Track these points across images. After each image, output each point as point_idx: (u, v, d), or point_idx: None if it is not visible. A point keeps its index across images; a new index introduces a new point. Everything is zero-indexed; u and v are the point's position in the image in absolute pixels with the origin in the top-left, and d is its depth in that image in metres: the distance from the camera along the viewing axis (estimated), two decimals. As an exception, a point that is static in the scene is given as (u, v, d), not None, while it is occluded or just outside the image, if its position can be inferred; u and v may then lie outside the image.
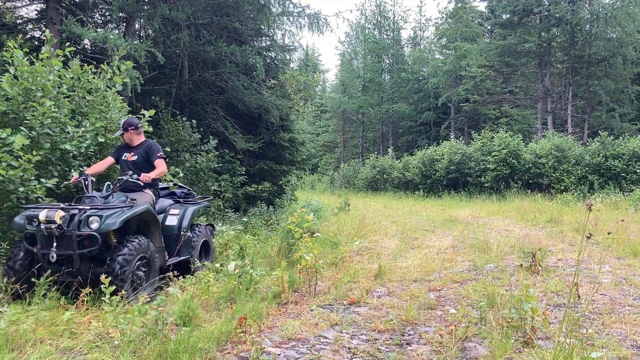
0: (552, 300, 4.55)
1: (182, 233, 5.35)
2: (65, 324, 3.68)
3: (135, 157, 5.29)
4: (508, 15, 26.21)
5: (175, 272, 5.07)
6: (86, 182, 4.95)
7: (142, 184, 5.01)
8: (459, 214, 12.74)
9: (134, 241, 4.42)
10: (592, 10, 22.89)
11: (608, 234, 6.62)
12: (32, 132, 5.42)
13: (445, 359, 3.25)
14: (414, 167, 23.63)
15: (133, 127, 5.33)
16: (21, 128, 5.34)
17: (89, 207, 4.38)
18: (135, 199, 4.86)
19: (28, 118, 5.41)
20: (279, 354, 3.33)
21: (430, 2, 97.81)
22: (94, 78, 6.34)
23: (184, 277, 5.06)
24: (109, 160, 5.42)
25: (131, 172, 5.00)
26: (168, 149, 8.71)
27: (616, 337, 3.55)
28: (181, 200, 5.84)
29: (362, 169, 29.85)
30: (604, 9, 22.26)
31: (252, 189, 13.22)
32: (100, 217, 4.22)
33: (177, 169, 7.83)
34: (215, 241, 6.68)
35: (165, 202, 5.57)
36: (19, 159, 5.10)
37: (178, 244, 5.32)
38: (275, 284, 5.06)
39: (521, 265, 5.79)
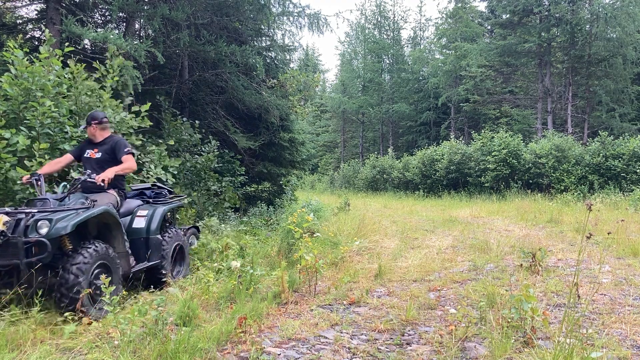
0: (552, 300, 4.55)
1: (150, 237, 4.94)
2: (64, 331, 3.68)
3: (99, 155, 4.87)
4: (508, 15, 26.21)
5: (144, 279, 4.79)
6: (38, 182, 4.50)
7: (103, 185, 4.53)
8: (459, 214, 12.74)
9: (91, 247, 3.99)
10: (592, 10, 22.89)
11: (608, 234, 6.63)
12: (32, 132, 5.42)
13: (445, 359, 3.25)
14: (414, 167, 23.63)
15: (96, 122, 4.88)
16: (21, 128, 5.34)
17: (37, 211, 3.97)
18: (96, 200, 4.42)
19: (28, 118, 5.41)
20: (279, 354, 3.33)
21: (430, 2, 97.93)
22: (86, 79, 6.28)
23: (153, 288, 4.75)
24: (67, 157, 4.97)
25: (89, 171, 4.61)
26: (171, 142, 8.65)
27: (616, 337, 3.54)
28: (150, 200, 5.44)
29: (362, 169, 29.85)
30: (604, 9, 22.26)
31: (252, 189, 13.22)
32: (50, 220, 3.78)
33: (174, 164, 7.75)
34: (215, 241, 6.67)
35: (132, 202, 5.17)
36: (24, 160, 5.12)
37: (147, 249, 4.94)
38: (275, 284, 5.06)
39: (521, 265, 5.79)
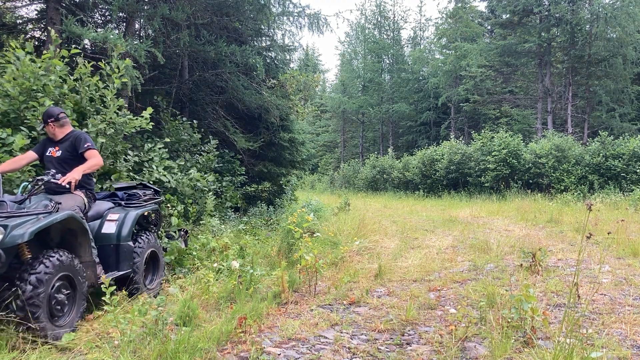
0: (552, 300, 4.55)
1: (121, 243, 4.52)
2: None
3: (59, 153, 4.44)
4: (508, 15, 26.21)
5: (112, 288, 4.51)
6: None
7: (67, 186, 4.08)
8: (459, 214, 12.74)
9: (53, 256, 3.56)
10: (592, 10, 22.89)
11: (608, 234, 6.62)
12: (33, 132, 5.42)
13: (445, 359, 3.25)
14: (414, 167, 23.63)
15: (53, 119, 4.44)
16: (21, 128, 5.34)
17: None
18: (60, 203, 3.96)
19: (28, 117, 5.40)
20: (279, 354, 3.33)
21: (430, 2, 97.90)
22: (90, 78, 6.23)
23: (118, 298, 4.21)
24: (30, 155, 4.51)
25: (53, 171, 4.17)
26: (167, 139, 8.61)
27: (616, 337, 3.55)
28: (123, 202, 4.98)
29: (362, 169, 29.84)
30: (604, 9, 22.26)
31: (252, 189, 13.22)
32: (5, 227, 3.37)
33: (175, 164, 7.62)
34: (214, 241, 6.65)
35: (102, 205, 4.74)
36: None
37: (117, 257, 4.52)
38: (275, 284, 5.06)
39: (521, 265, 5.79)
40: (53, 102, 5.59)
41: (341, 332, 3.79)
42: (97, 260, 4.20)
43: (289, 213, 7.66)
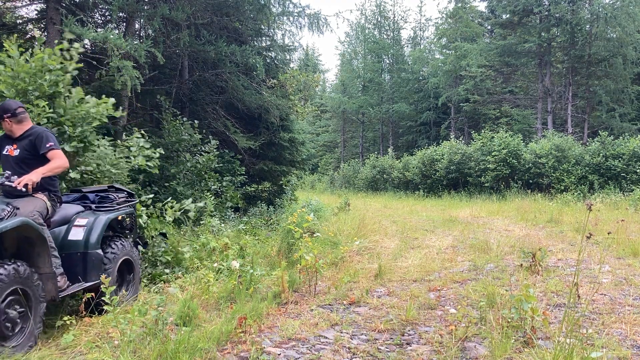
0: (552, 300, 4.55)
1: (89, 251, 4.11)
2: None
3: (17, 152, 3.99)
4: (508, 15, 26.21)
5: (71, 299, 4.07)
6: None
7: (23, 190, 3.66)
8: (459, 214, 12.74)
9: (9, 267, 3.25)
10: (592, 10, 22.89)
11: (608, 234, 6.62)
12: None
13: (445, 359, 3.25)
14: (414, 167, 23.63)
15: (9, 114, 3.96)
16: None
17: None
18: (18, 208, 3.61)
19: None
20: (279, 354, 3.33)
21: (430, 2, 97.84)
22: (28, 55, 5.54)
23: (94, 313, 4.01)
24: None
25: (9, 172, 3.78)
26: (172, 137, 8.26)
27: (616, 337, 3.55)
28: (93, 206, 4.56)
29: (362, 169, 29.84)
30: (604, 9, 22.26)
31: (252, 189, 13.22)
32: None
33: (155, 154, 6.79)
34: (214, 241, 6.63)
35: (70, 209, 4.32)
36: None
37: (84, 266, 4.11)
38: (275, 284, 5.06)
39: (521, 265, 5.79)
40: (47, 103, 5.48)
41: (341, 332, 3.79)
42: (60, 270, 3.79)
43: (289, 213, 7.66)
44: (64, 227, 4.18)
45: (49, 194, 4.01)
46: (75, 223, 4.21)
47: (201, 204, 7.59)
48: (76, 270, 4.06)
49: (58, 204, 4.16)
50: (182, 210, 6.87)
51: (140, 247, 5.51)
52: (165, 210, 6.66)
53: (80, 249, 4.10)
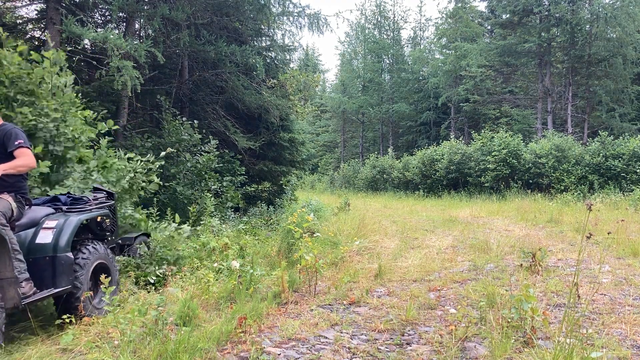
0: (552, 300, 4.55)
1: (58, 255, 3.84)
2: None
3: None
4: (508, 15, 26.20)
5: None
6: None
7: None
8: (459, 214, 12.74)
9: None
10: (592, 10, 22.89)
11: (608, 234, 6.62)
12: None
13: (445, 359, 3.25)
14: (414, 167, 23.64)
15: None
16: None
17: None
18: None
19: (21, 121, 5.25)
20: (279, 354, 3.33)
21: (430, 2, 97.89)
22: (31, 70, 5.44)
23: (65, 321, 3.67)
24: None
25: None
26: (172, 137, 8.21)
27: (616, 337, 3.54)
28: (64, 207, 4.29)
29: (362, 169, 29.84)
30: (604, 9, 22.26)
31: (252, 189, 13.23)
32: None
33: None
34: (215, 241, 6.62)
35: (40, 211, 4.08)
36: None
37: (53, 271, 3.84)
38: (275, 284, 5.06)
39: (521, 265, 5.78)
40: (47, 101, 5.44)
41: (341, 332, 3.79)
42: (25, 276, 3.56)
43: (289, 213, 7.66)
44: (32, 230, 3.91)
45: (15, 195, 3.80)
46: (44, 225, 3.95)
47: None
48: (44, 276, 3.79)
49: (26, 206, 3.95)
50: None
51: (123, 249, 5.38)
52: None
53: (49, 253, 3.83)
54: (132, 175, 6.39)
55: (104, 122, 6.19)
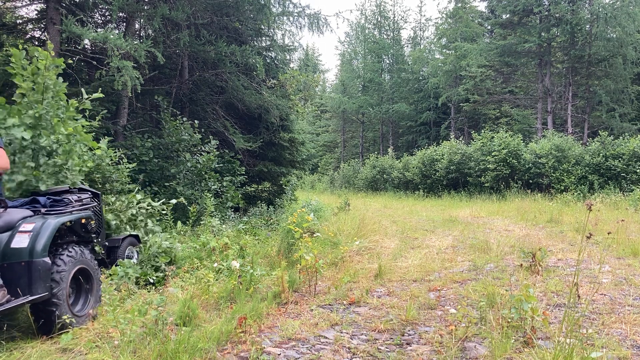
0: (552, 300, 4.55)
1: (34, 260, 3.63)
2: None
3: None
4: (508, 15, 26.22)
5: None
6: None
7: None
8: (459, 214, 12.74)
9: None
10: (592, 10, 22.89)
11: (608, 234, 6.62)
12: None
13: (445, 359, 3.25)
14: (414, 167, 23.65)
15: None
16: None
17: None
18: None
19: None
20: (279, 354, 3.33)
21: (430, 2, 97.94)
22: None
23: (42, 332, 3.58)
24: None
25: None
26: (172, 137, 8.04)
27: (616, 337, 3.54)
28: (43, 210, 4.11)
29: (362, 169, 29.85)
30: (604, 9, 22.26)
31: (252, 189, 13.23)
32: None
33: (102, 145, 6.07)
34: (215, 241, 6.62)
35: (16, 214, 3.89)
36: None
37: (29, 277, 3.64)
38: (275, 284, 5.06)
39: (521, 265, 5.78)
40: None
41: (341, 332, 3.79)
42: None
43: (289, 213, 7.66)
44: (7, 234, 3.72)
45: None
46: (20, 229, 3.74)
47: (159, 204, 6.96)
48: (19, 282, 3.58)
49: (1, 209, 3.79)
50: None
51: (110, 252, 5.16)
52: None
53: (25, 258, 3.63)
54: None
55: (86, 101, 5.73)
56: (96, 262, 4.40)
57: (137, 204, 6.58)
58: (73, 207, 4.37)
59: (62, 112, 5.27)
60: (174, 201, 7.05)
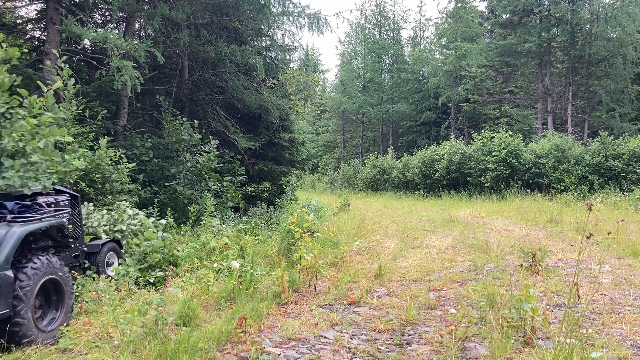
0: (552, 300, 4.55)
1: None
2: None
3: None
4: (508, 15, 26.22)
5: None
6: None
7: None
8: (459, 214, 12.73)
9: None
10: (592, 10, 22.90)
11: (608, 234, 6.61)
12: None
13: (445, 359, 3.24)
14: (414, 167, 23.64)
15: None
16: None
17: None
18: None
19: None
20: (279, 354, 3.33)
21: (430, 2, 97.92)
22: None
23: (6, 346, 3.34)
24: None
25: None
26: (172, 137, 7.94)
27: (616, 337, 3.54)
28: (9, 216, 3.80)
29: (362, 169, 29.85)
30: (604, 9, 22.26)
31: (252, 189, 13.22)
32: None
33: (61, 133, 5.14)
34: (215, 241, 6.60)
35: None
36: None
37: None
38: (275, 284, 5.06)
39: (521, 265, 5.78)
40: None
41: (341, 332, 3.79)
42: None
43: (289, 213, 7.66)
44: None
45: None
46: None
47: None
48: None
49: None
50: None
51: (89, 258, 4.88)
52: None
53: None
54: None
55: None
56: (67, 270, 4.04)
57: (128, 219, 6.36)
58: (45, 212, 4.01)
59: (22, 109, 4.68)
60: (163, 221, 7.01)
